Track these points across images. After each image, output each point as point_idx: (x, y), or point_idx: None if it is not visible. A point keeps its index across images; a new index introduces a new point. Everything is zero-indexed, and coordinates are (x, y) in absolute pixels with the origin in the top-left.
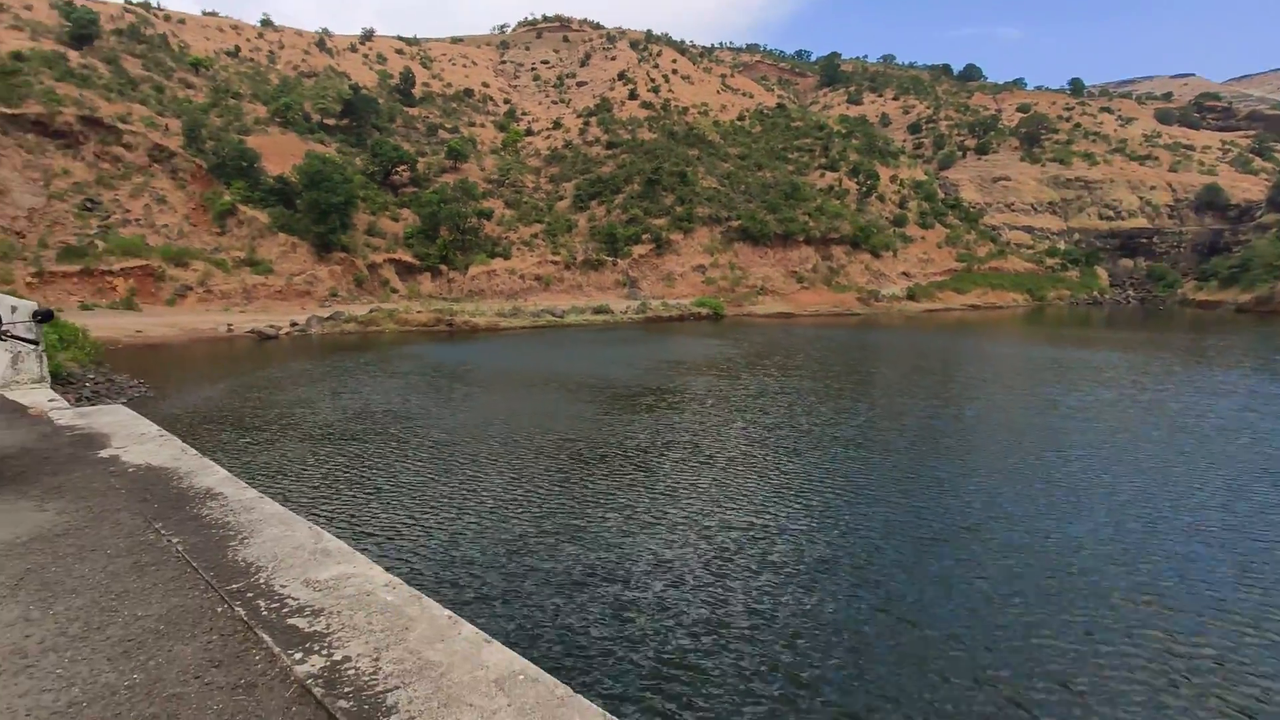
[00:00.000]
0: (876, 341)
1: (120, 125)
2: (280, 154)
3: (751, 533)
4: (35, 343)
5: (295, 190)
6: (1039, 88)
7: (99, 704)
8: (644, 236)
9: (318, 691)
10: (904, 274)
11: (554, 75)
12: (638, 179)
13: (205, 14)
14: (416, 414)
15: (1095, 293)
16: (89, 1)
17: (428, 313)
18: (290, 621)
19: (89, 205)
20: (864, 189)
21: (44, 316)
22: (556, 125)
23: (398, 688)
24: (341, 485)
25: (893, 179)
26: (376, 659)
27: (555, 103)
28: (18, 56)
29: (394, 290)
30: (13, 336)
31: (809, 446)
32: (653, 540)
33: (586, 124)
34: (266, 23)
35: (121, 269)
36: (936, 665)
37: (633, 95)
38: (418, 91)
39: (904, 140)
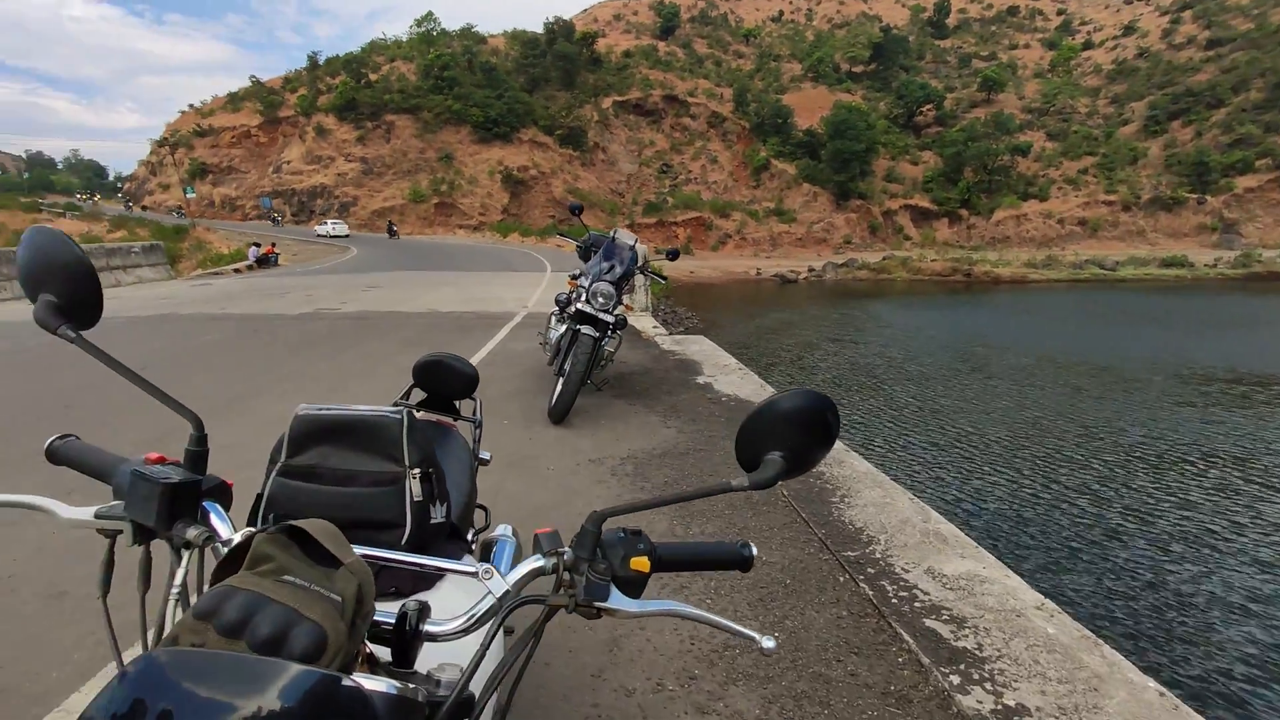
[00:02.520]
0: None
1: (689, 99)
2: (810, 107)
3: None
4: (664, 278)
5: (820, 141)
6: None
7: (750, 653)
8: (1257, 163)
9: None
10: None
11: None
12: (1257, 84)
13: None
14: (926, 373)
15: None
16: None
17: (943, 261)
18: (928, 623)
19: (664, 169)
20: None
21: (672, 255)
22: (1128, 30)
23: None
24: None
25: None
26: None
27: (1129, 2)
28: (626, 54)
29: (907, 237)
30: (651, 273)
31: None
32: None
33: (1175, 20)
34: None
35: (682, 220)
36: None
37: None
38: (952, 20)
39: None
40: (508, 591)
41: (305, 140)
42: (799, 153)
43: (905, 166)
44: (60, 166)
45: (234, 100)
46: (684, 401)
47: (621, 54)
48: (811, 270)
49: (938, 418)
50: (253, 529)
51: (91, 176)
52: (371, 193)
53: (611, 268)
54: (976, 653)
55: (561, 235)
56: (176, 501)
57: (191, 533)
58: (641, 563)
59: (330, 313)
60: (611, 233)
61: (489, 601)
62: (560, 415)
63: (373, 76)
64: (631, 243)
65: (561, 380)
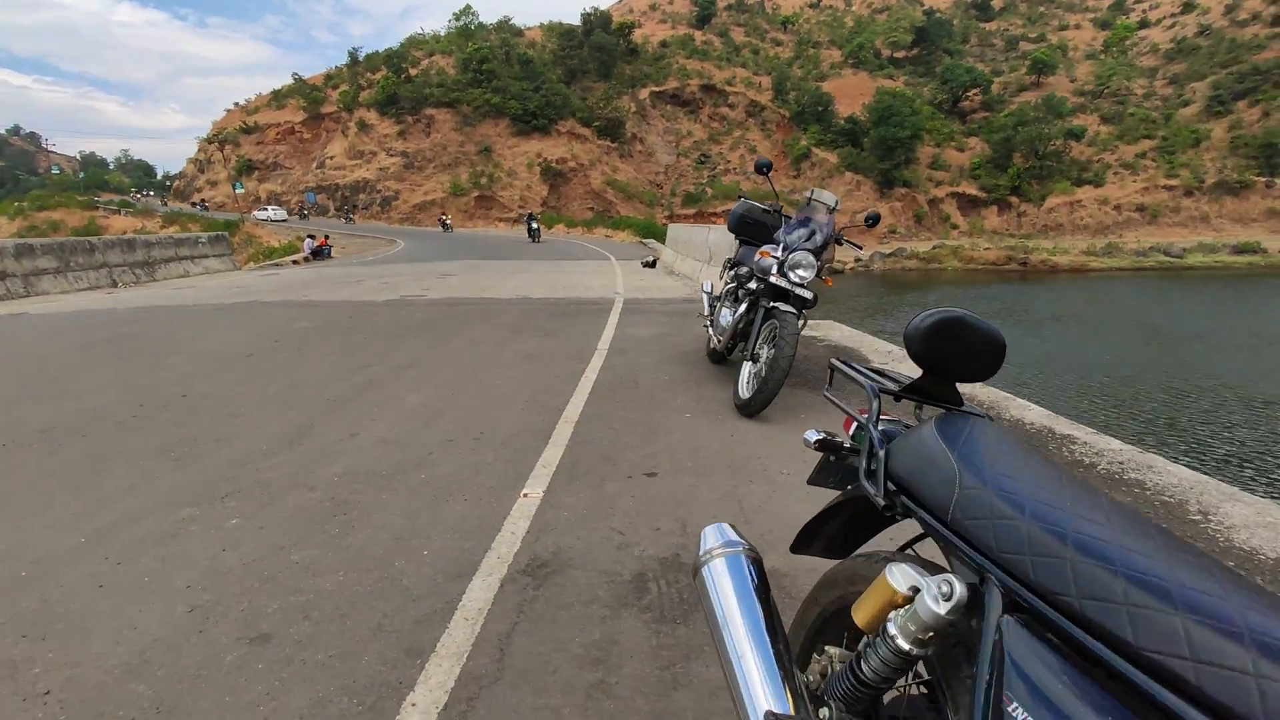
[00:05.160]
0: None
1: (727, 88)
2: (851, 95)
3: None
4: (860, 247)
5: (863, 129)
6: None
7: None
8: None
9: None
10: None
11: None
12: None
13: None
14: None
15: None
16: None
17: (996, 249)
18: None
19: (702, 159)
20: None
21: (872, 220)
22: (1188, 7)
23: None
24: None
25: None
26: None
27: None
28: (664, 44)
29: (954, 226)
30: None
31: None
32: None
33: None
34: None
35: (721, 210)
36: None
37: None
38: (997, 2)
39: None
40: None
41: (348, 135)
42: (841, 141)
43: (951, 153)
44: (112, 166)
45: (278, 97)
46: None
47: (658, 44)
48: (858, 260)
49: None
50: None
51: (141, 175)
52: (413, 186)
53: (810, 235)
54: None
55: (743, 199)
56: None
57: None
58: None
59: (417, 299)
60: (809, 192)
61: None
62: (760, 407)
63: (412, 71)
64: (832, 204)
65: (750, 366)
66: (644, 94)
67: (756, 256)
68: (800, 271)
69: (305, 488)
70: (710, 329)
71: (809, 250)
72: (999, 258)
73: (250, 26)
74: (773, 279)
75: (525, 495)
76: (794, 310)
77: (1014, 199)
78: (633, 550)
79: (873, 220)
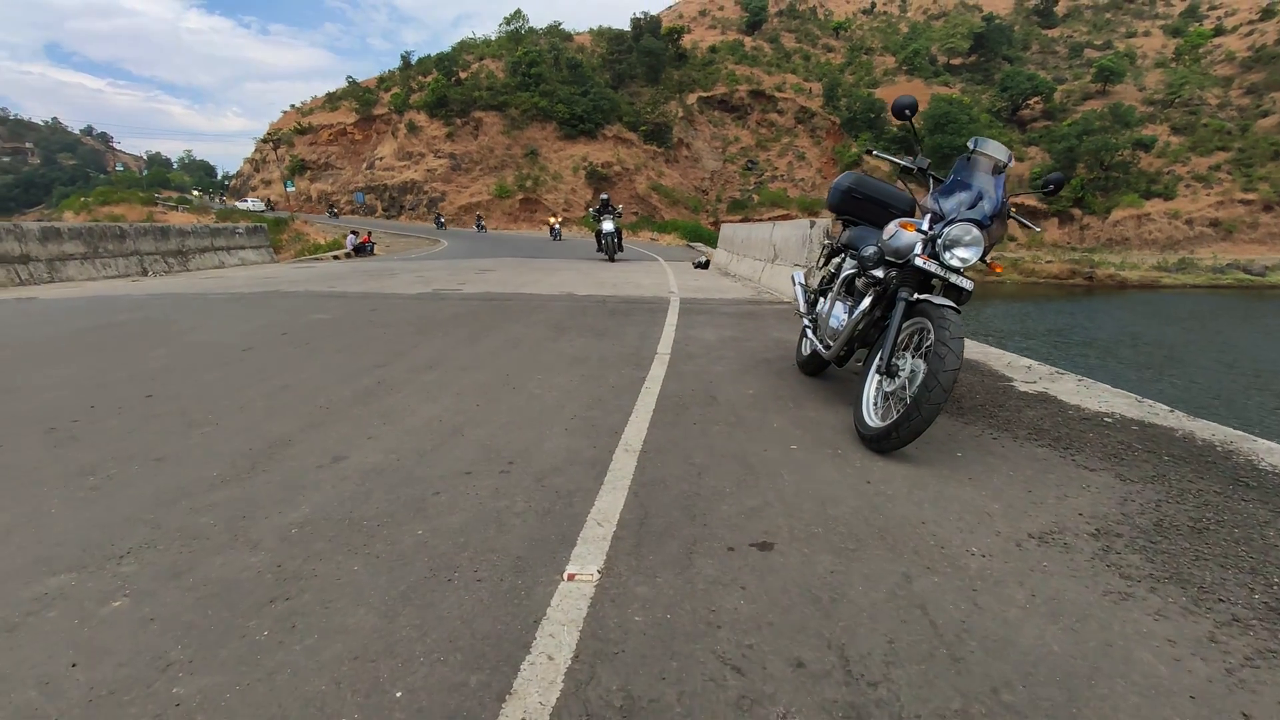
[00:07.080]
0: None
1: (776, 94)
2: None
3: None
4: (1035, 227)
5: (917, 137)
6: None
7: None
8: None
9: None
10: None
11: None
12: None
13: None
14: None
15: None
16: None
17: (1060, 263)
18: None
19: (749, 165)
20: None
21: (1052, 185)
22: (1268, 14)
23: None
24: None
25: None
26: None
27: None
28: (712, 49)
29: (1011, 238)
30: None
31: None
32: None
33: None
34: None
35: (770, 217)
36: None
37: None
38: (1061, 8)
39: None
40: None
41: (397, 137)
42: (894, 148)
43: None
44: (175, 166)
45: (332, 99)
46: (1045, 421)
47: (707, 49)
48: None
49: None
50: None
51: (203, 175)
52: (459, 188)
53: (975, 200)
54: None
55: (874, 154)
56: None
57: None
58: None
59: (451, 293)
60: (971, 143)
61: None
62: (904, 441)
63: (462, 75)
64: (1004, 159)
65: (882, 382)
66: (692, 99)
67: (892, 230)
68: (961, 251)
69: (245, 545)
70: (810, 331)
71: (973, 221)
72: (1062, 271)
73: (310, 34)
74: (918, 261)
75: (571, 577)
76: (954, 305)
77: (1076, 211)
78: (764, 715)
79: (1055, 185)
